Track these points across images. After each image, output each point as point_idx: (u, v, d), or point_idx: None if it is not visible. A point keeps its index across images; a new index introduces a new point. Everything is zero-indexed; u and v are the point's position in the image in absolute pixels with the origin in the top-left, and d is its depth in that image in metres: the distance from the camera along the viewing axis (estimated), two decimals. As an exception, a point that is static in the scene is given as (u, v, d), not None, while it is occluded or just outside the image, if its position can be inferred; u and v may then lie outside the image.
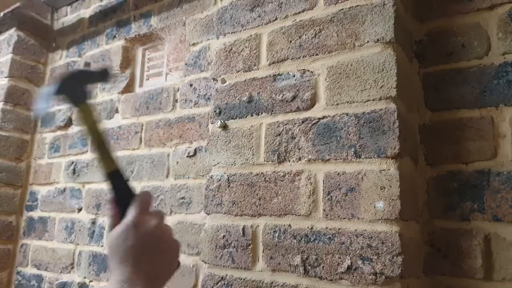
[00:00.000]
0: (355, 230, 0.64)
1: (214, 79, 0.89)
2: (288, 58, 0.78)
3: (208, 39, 1.17)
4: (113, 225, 0.50)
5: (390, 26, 0.68)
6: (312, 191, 0.70)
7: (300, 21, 0.78)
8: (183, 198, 1.13)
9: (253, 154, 0.78)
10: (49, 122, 1.56)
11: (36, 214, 1.55)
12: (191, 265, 1.06)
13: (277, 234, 0.72)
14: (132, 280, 0.45)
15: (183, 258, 1.08)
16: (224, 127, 0.84)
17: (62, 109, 1.55)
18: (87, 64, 1.52)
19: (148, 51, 1.41)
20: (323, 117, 0.72)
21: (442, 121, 0.76)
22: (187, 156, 1.13)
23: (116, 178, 0.52)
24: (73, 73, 0.64)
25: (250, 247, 0.74)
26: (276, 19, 0.81)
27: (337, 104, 0.71)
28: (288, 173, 0.73)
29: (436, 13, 0.80)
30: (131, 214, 0.49)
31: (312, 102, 0.74)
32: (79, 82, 0.55)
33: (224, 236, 0.78)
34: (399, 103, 0.66)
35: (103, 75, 0.61)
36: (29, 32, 1.65)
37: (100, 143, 0.52)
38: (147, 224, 0.48)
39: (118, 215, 0.50)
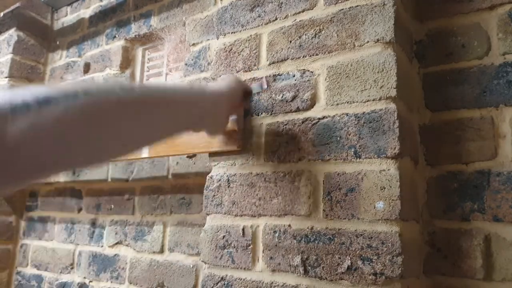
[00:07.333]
0: (355, 230, 0.64)
1: (214, 79, 0.89)
2: (288, 58, 0.78)
3: (208, 39, 1.17)
4: None
5: (390, 26, 0.68)
6: (312, 192, 0.70)
7: (300, 21, 0.78)
8: (183, 198, 1.13)
9: (253, 155, 0.78)
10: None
11: (36, 214, 1.55)
12: (191, 265, 1.06)
13: (277, 235, 0.72)
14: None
15: (183, 258, 1.08)
16: (224, 127, 0.84)
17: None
18: (87, 64, 1.52)
19: (148, 51, 1.41)
20: (323, 117, 0.72)
21: (442, 121, 0.76)
22: (187, 157, 1.13)
23: None
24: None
25: (250, 247, 0.74)
26: (276, 19, 0.81)
27: (337, 104, 0.71)
28: (288, 173, 0.73)
29: (436, 13, 0.80)
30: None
31: (312, 102, 0.74)
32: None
33: (224, 236, 0.78)
34: (399, 103, 0.66)
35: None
36: (29, 32, 1.65)
37: None
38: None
39: None
